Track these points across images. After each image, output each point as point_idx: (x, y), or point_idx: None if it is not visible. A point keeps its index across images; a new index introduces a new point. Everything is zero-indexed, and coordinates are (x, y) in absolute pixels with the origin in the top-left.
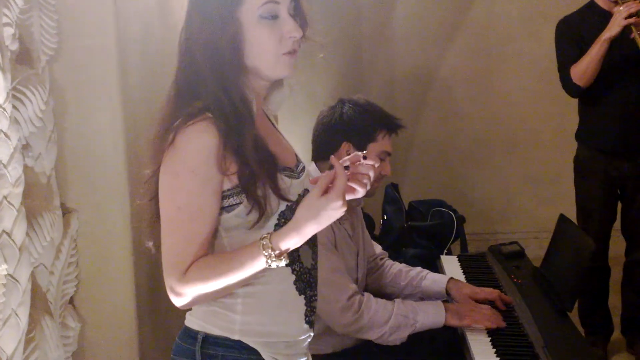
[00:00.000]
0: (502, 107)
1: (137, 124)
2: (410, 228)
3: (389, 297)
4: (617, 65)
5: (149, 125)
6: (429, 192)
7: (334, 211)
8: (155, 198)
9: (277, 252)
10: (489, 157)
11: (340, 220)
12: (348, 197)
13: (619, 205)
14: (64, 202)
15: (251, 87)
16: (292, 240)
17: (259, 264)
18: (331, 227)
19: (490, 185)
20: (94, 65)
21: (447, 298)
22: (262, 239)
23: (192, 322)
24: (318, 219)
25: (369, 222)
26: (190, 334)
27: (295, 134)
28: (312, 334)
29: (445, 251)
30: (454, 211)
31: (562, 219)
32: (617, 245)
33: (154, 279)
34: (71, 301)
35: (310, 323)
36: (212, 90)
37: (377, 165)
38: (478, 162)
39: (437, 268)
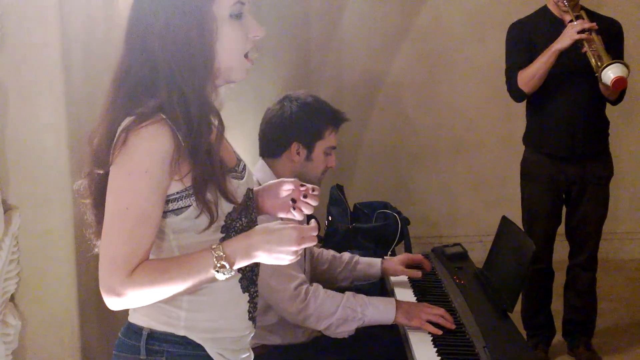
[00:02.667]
0: (448, 112)
1: (80, 120)
2: (355, 230)
3: (326, 283)
4: (564, 72)
5: (93, 122)
6: (375, 194)
7: (288, 255)
8: (100, 200)
9: (230, 269)
10: (435, 160)
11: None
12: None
13: (564, 209)
14: (5, 198)
15: (212, 90)
16: (243, 262)
17: (208, 275)
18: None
19: (436, 189)
20: (37, 61)
21: (379, 276)
22: (215, 251)
23: (136, 317)
24: (271, 254)
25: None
26: (135, 330)
27: (242, 134)
28: (254, 330)
29: (390, 253)
30: (399, 213)
31: (505, 220)
32: (562, 250)
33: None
34: (12, 299)
35: (253, 319)
36: (171, 91)
37: (317, 194)
38: (424, 165)
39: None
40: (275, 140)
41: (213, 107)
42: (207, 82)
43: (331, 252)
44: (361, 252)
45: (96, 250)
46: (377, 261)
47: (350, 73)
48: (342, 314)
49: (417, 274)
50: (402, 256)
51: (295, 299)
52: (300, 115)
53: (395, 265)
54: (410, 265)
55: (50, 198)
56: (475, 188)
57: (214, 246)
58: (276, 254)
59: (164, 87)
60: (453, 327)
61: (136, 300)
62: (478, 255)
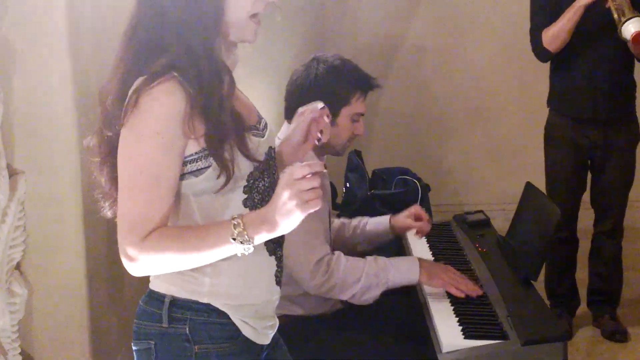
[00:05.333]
0: (467, 77)
1: (88, 80)
2: (374, 196)
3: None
4: (589, 31)
5: (102, 82)
6: (394, 161)
7: (291, 202)
8: (109, 159)
9: (248, 239)
10: (454, 126)
11: None
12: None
13: (589, 176)
14: (10, 163)
15: (220, 47)
16: (262, 232)
17: (226, 247)
18: None
19: (456, 156)
20: (43, 21)
21: (391, 235)
22: (235, 227)
23: (157, 285)
24: (282, 213)
25: (331, 190)
26: (157, 297)
27: (253, 98)
28: (279, 296)
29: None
30: (419, 179)
31: (529, 186)
32: (587, 218)
33: (108, 244)
34: (18, 267)
35: (280, 284)
36: (181, 47)
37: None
38: (444, 131)
39: (400, 237)
40: (298, 103)
41: (222, 63)
42: (216, 37)
43: (340, 219)
44: None
45: (105, 212)
46: (384, 218)
47: (366, 37)
48: (365, 281)
49: (426, 226)
50: (410, 209)
51: (317, 271)
52: (326, 78)
53: (403, 218)
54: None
55: (58, 162)
56: (496, 155)
57: (234, 216)
58: (284, 209)
59: (173, 42)
60: (475, 294)
61: (150, 266)
62: (500, 223)
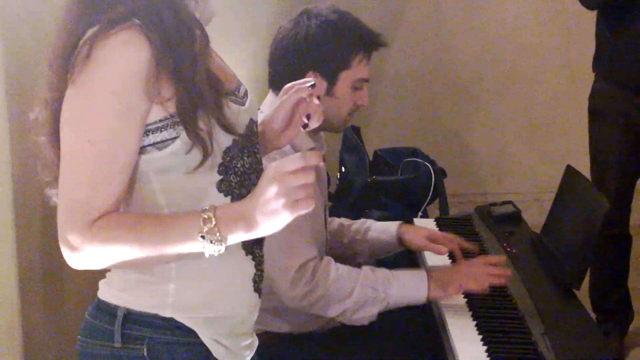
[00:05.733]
0: (496, 34)
1: (17, 41)
2: (376, 184)
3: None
4: None
5: (35, 41)
6: (402, 139)
7: (276, 201)
8: (55, 134)
9: (218, 236)
10: (479, 97)
11: None
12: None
13: None
14: None
15: None
16: (238, 232)
17: (191, 242)
18: None
19: (481, 133)
20: None
21: (399, 248)
22: (205, 222)
23: (108, 293)
24: (265, 212)
25: None
26: (107, 310)
27: (229, 63)
28: (259, 305)
29: (420, 213)
30: (432, 162)
31: (570, 171)
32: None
33: (44, 243)
34: None
35: (259, 292)
36: None
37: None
38: (465, 103)
39: None
40: (286, 68)
41: (190, 13)
42: None
43: (339, 220)
44: (383, 213)
45: (55, 199)
46: (392, 226)
47: None
48: (359, 295)
49: (443, 250)
50: (430, 231)
51: (299, 279)
52: (320, 36)
53: (418, 237)
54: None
55: None
56: (531, 132)
57: (204, 208)
58: (268, 208)
59: None
60: (503, 281)
61: (96, 259)
62: (534, 217)
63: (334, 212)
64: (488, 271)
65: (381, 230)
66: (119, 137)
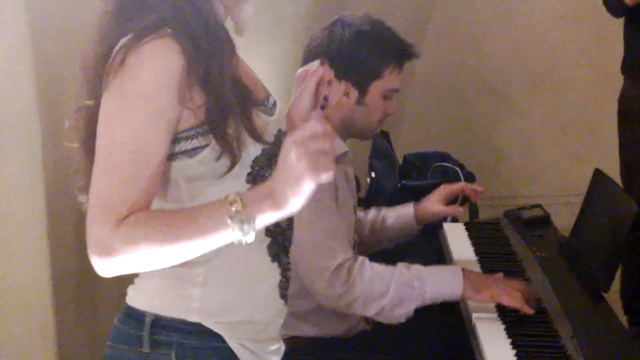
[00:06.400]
0: (525, 34)
1: (48, 46)
2: (405, 188)
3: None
4: None
5: (66, 48)
6: (431, 143)
7: (303, 173)
8: (91, 141)
9: (248, 219)
10: (507, 98)
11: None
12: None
13: None
14: None
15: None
16: (268, 211)
17: (222, 231)
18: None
19: (510, 135)
20: None
21: (419, 227)
22: (232, 204)
23: (136, 299)
24: (292, 185)
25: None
26: (135, 316)
27: (257, 71)
28: (285, 311)
29: (450, 218)
30: (461, 167)
31: (598, 175)
32: None
33: (77, 251)
34: None
35: (285, 298)
36: (170, 3)
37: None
38: (493, 104)
39: (438, 237)
40: None
41: (220, 23)
42: None
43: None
44: None
45: (86, 208)
46: (408, 208)
47: None
48: (396, 292)
49: (459, 210)
50: (438, 191)
51: (335, 280)
52: (352, 45)
53: (431, 205)
54: (452, 201)
55: (13, 151)
56: (560, 134)
57: (229, 193)
58: (292, 174)
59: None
60: (530, 311)
61: (125, 261)
62: (563, 220)
63: None
64: (522, 292)
65: (398, 214)
66: (151, 139)
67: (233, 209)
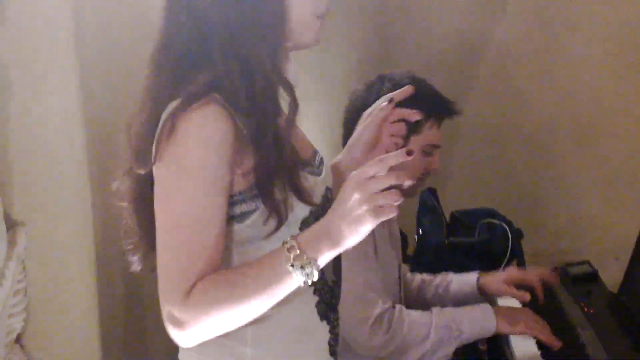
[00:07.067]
0: (571, 87)
1: (99, 110)
2: (453, 245)
3: None
4: None
5: (114, 110)
6: (478, 199)
7: (361, 207)
8: (142, 203)
9: (308, 260)
10: (554, 151)
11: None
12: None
13: None
14: (8, 212)
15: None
16: (324, 249)
17: (284, 278)
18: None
19: (556, 189)
20: (44, 35)
21: (481, 298)
22: (289, 250)
23: (188, 356)
24: (349, 221)
25: (401, 238)
26: None
27: (301, 125)
28: None
29: None
30: (509, 223)
31: None
32: None
33: (126, 306)
34: (18, 339)
35: (335, 355)
36: (229, 60)
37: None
38: (540, 158)
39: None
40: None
41: (284, 79)
42: (278, 46)
43: (420, 276)
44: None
45: (134, 267)
46: (471, 277)
47: (440, 40)
48: (435, 337)
49: (525, 296)
50: (508, 272)
51: (377, 329)
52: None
53: (496, 283)
54: (520, 286)
55: (65, 210)
56: (608, 187)
57: (284, 240)
58: (352, 216)
59: (218, 57)
60: (558, 344)
61: (204, 329)
62: (613, 276)
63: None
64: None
65: (461, 281)
66: (210, 209)
67: (291, 255)
